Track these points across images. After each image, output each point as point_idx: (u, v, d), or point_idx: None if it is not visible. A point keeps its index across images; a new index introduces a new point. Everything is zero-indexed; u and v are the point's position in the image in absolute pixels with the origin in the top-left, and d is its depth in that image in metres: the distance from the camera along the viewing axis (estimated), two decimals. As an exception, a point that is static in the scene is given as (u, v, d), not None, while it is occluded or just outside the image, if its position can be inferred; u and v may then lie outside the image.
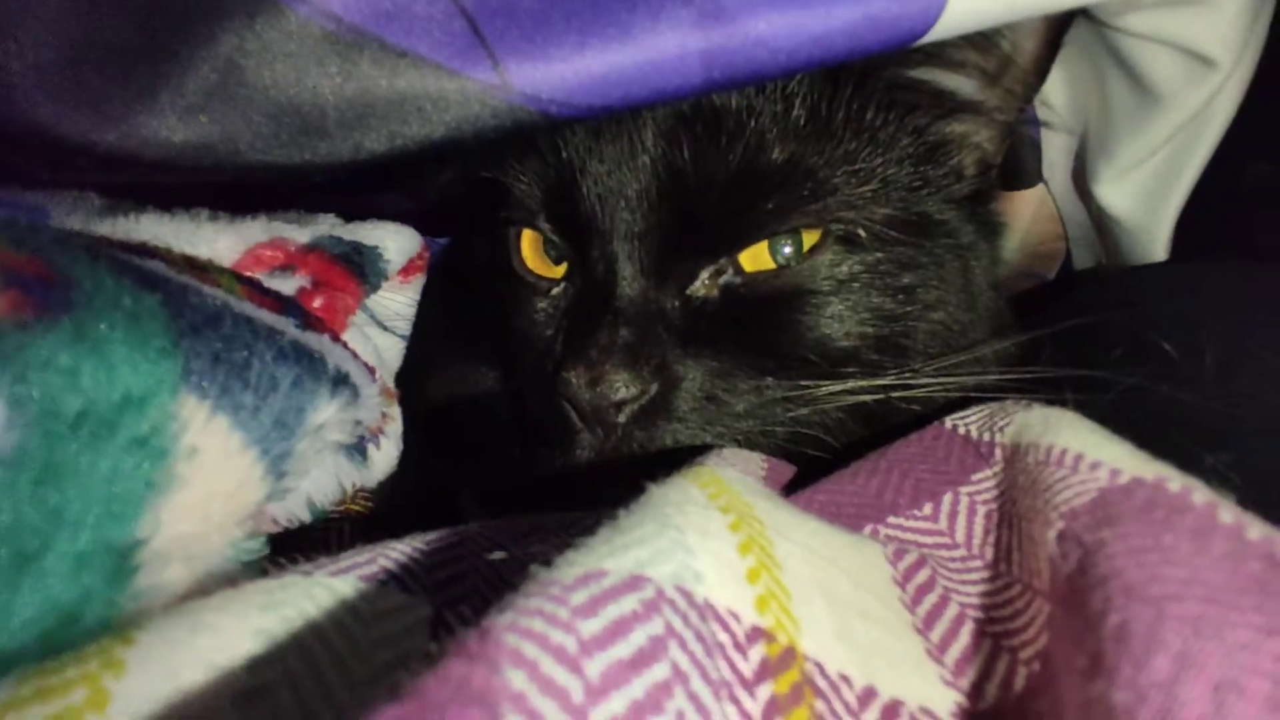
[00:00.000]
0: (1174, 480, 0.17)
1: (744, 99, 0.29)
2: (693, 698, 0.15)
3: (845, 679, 0.18)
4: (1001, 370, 0.31)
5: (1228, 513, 0.16)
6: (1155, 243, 0.38)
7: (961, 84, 0.31)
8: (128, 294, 0.17)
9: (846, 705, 0.18)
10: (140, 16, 0.20)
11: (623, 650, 0.15)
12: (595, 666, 0.14)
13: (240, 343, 0.19)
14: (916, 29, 0.25)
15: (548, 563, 0.15)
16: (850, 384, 0.29)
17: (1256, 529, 0.15)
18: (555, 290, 0.33)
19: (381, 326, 0.35)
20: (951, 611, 0.21)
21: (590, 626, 0.14)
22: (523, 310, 0.33)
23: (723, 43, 0.24)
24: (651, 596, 0.16)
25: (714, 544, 0.18)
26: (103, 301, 0.16)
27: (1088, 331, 0.31)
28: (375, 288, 0.33)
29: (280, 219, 0.30)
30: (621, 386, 0.27)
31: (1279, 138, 0.33)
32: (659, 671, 0.15)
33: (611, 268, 0.29)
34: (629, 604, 0.15)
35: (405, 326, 0.35)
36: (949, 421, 0.28)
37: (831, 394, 0.29)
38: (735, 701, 0.16)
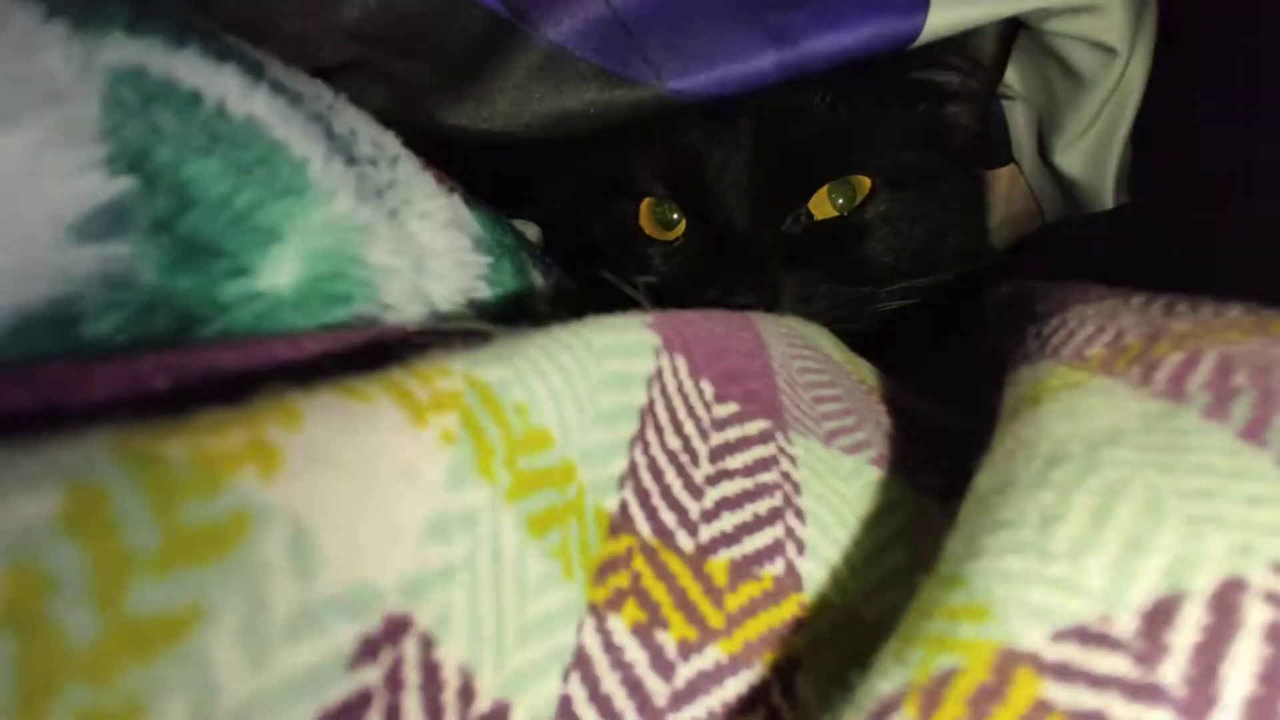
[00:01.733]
0: None
1: (806, 98, 0.44)
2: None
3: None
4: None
5: None
6: (1104, 195, 0.52)
7: (950, 78, 0.46)
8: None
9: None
10: None
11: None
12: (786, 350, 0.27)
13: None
14: (909, 38, 0.40)
15: None
16: (894, 287, 0.43)
17: None
18: (677, 244, 0.46)
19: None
20: None
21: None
22: (651, 259, 0.47)
23: (790, 55, 0.39)
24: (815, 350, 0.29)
25: (827, 341, 0.32)
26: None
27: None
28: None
29: None
30: (745, 294, 0.41)
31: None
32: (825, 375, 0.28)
33: (730, 218, 0.43)
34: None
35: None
36: None
37: (888, 293, 0.43)
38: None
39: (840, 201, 0.44)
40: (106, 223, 0.15)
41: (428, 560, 0.13)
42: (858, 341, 0.41)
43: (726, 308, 0.41)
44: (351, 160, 0.21)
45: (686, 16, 0.39)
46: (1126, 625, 0.14)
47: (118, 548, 0.09)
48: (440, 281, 0.23)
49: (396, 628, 0.12)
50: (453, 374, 0.16)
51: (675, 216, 0.47)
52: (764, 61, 0.39)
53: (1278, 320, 0.21)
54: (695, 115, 0.43)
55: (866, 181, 0.44)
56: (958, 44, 0.44)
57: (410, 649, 0.13)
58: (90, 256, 0.14)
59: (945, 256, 0.45)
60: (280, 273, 0.18)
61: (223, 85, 0.18)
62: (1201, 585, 0.14)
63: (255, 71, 0.20)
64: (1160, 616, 0.14)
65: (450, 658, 0.13)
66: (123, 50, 0.17)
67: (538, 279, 0.32)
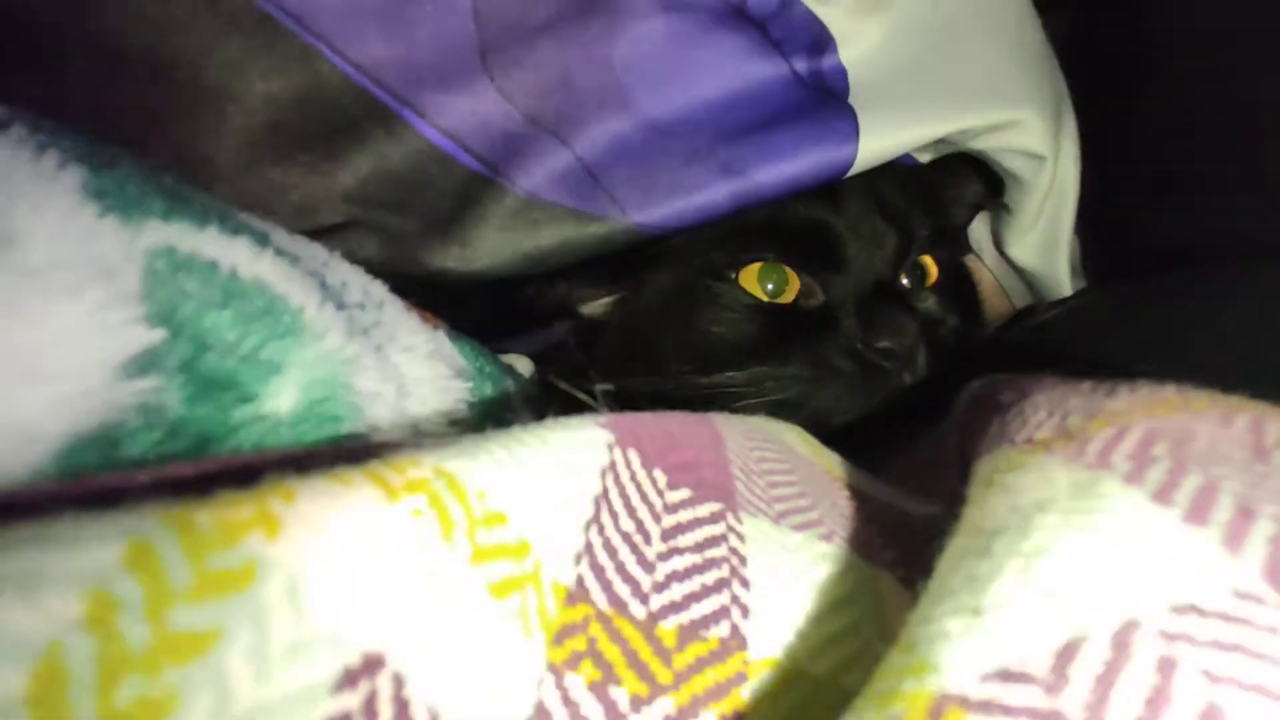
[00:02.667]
0: None
1: (907, 204, 0.51)
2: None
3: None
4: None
5: None
6: (1060, 283, 0.57)
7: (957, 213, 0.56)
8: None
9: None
10: None
11: None
12: None
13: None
14: (845, 166, 0.46)
15: None
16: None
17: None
18: (792, 302, 0.49)
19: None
20: None
21: None
22: (749, 320, 0.49)
23: (741, 187, 0.46)
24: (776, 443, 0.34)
25: (792, 435, 0.36)
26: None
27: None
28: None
29: None
30: (902, 335, 0.45)
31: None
32: None
33: (878, 274, 0.49)
34: None
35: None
36: None
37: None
38: None
39: (917, 275, 0.52)
40: (144, 364, 0.20)
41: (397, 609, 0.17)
42: (831, 439, 0.45)
43: (905, 349, 0.45)
44: (341, 305, 0.26)
45: (646, 160, 0.46)
46: (1041, 663, 0.17)
47: (162, 582, 0.13)
48: (423, 405, 0.28)
49: (372, 664, 0.16)
50: (422, 464, 0.20)
51: (771, 286, 0.49)
52: (717, 194, 0.46)
53: (1199, 397, 0.24)
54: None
55: (934, 267, 0.52)
56: (961, 179, 0.56)
57: (384, 683, 0.16)
58: (132, 390, 0.19)
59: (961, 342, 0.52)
60: (280, 399, 0.22)
61: (235, 254, 0.24)
62: (1105, 626, 0.17)
63: (262, 240, 0.26)
64: (1068, 654, 0.17)
65: (418, 696, 0.17)
66: (158, 234, 0.22)
67: (516, 398, 0.36)
